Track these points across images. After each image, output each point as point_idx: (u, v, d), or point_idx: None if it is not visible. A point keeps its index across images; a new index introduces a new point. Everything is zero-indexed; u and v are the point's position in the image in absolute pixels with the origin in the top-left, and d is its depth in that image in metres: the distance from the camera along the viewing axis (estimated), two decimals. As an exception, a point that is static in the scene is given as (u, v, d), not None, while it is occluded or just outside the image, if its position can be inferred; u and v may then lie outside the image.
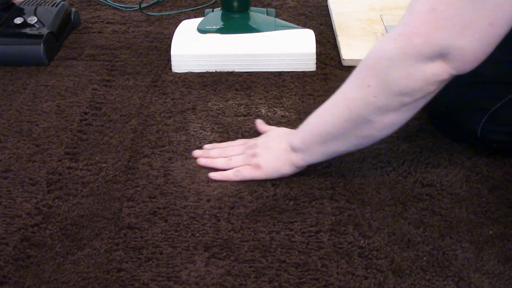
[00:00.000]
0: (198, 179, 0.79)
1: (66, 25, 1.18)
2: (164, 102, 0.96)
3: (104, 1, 1.35)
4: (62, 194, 0.77)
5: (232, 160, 0.80)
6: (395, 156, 0.83)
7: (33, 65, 1.08)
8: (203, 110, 0.94)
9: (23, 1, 1.19)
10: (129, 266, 0.66)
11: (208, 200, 0.75)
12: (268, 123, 0.90)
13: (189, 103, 0.96)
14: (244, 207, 0.74)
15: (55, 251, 0.68)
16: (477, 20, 0.58)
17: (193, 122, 0.91)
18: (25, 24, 1.10)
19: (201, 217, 0.73)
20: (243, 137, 0.87)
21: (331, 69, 1.06)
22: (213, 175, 0.79)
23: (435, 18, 0.60)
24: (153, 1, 1.35)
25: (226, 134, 0.88)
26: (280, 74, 1.04)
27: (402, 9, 1.23)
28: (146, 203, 0.75)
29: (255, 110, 0.94)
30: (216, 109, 0.94)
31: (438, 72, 0.62)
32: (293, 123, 0.90)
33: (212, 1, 1.35)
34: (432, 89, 0.64)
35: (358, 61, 1.05)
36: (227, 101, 0.96)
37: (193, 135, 0.88)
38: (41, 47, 1.06)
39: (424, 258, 0.67)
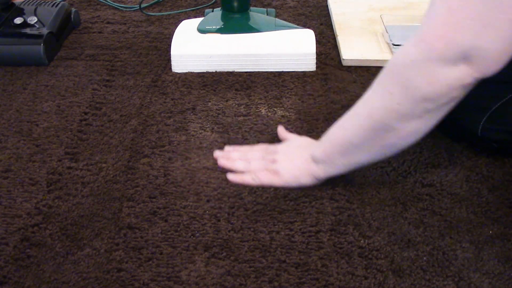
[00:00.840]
0: (198, 179, 0.79)
1: (66, 25, 1.18)
2: (164, 102, 0.96)
3: (104, 1, 1.35)
4: (62, 194, 0.77)
5: (252, 163, 0.79)
6: (395, 156, 0.83)
7: (33, 65, 1.08)
8: (203, 110, 0.94)
9: (23, 1, 1.19)
10: (129, 266, 0.66)
11: (208, 200, 0.75)
12: (268, 123, 0.90)
13: (189, 103, 0.96)
14: (244, 207, 0.74)
15: (55, 251, 0.68)
16: (497, 17, 0.56)
17: (193, 122, 0.91)
18: (25, 24, 1.10)
19: (201, 217, 0.73)
20: (243, 137, 0.87)
21: (331, 69, 1.06)
22: (231, 177, 0.78)
23: (454, 19, 0.58)
24: (153, 1, 1.35)
25: (226, 134, 0.88)
26: (280, 74, 1.04)
27: (402, 9, 1.23)
28: (146, 203, 0.75)
29: (255, 110, 0.94)
30: (216, 109, 0.94)
31: (462, 76, 0.60)
32: (293, 123, 0.90)
33: (212, 1, 1.35)
34: (456, 94, 0.62)
35: (358, 61, 1.06)
36: (227, 101, 0.96)
37: (193, 135, 0.88)
38: (41, 47, 1.06)
39: (424, 258, 0.67)
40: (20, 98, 0.98)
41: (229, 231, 0.70)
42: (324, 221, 0.72)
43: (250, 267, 0.66)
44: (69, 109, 0.95)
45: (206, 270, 0.65)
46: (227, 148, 0.84)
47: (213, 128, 0.89)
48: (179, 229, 0.71)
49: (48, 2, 1.20)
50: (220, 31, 1.08)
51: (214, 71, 1.05)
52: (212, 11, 1.18)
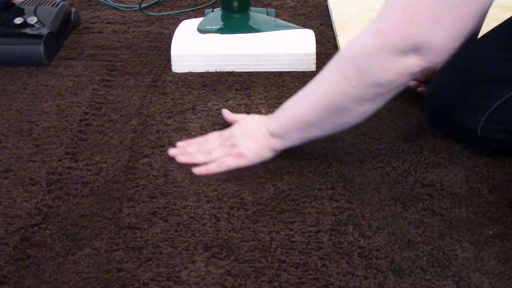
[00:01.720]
0: (198, 179, 0.79)
1: (66, 25, 1.18)
2: (164, 102, 0.96)
3: (104, 1, 1.35)
4: (62, 194, 0.77)
5: (212, 153, 0.81)
6: (395, 156, 0.83)
7: (33, 65, 1.08)
8: (203, 110, 0.94)
9: (23, 1, 1.19)
10: (129, 266, 0.66)
11: (208, 201, 0.75)
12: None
13: (189, 103, 0.96)
14: (244, 207, 0.74)
15: (55, 251, 0.68)
16: (447, 15, 0.62)
17: (193, 122, 0.91)
18: (25, 24, 1.10)
19: (201, 217, 0.73)
20: (243, 137, 0.87)
21: (331, 69, 1.06)
22: (197, 170, 0.80)
23: (409, 14, 0.64)
24: (153, 1, 1.35)
25: (226, 134, 0.88)
26: (280, 74, 1.04)
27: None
28: (146, 203, 0.75)
29: (255, 110, 0.94)
30: (216, 109, 0.94)
31: (412, 65, 0.66)
32: (293, 123, 0.90)
33: (212, 1, 1.35)
34: (404, 80, 0.69)
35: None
36: (227, 101, 0.96)
37: (193, 135, 0.88)
38: (41, 47, 1.06)
39: (424, 258, 0.67)
40: (20, 98, 0.98)
41: (229, 231, 0.70)
42: (324, 221, 0.72)
43: (250, 267, 0.66)
44: (69, 109, 0.95)
45: (206, 270, 0.65)
46: (180, 143, 0.85)
47: (213, 128, 0.89)
48: (179, 229, 0.71)
49: (48, 2, 1.20)
50: (220, 31, 1.08)
51: (214, 71, 1.05)
52: (212, 11, 1.18)
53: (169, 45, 1.07)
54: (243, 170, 0.80)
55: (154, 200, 0.75)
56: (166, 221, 0.72)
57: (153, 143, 0.86)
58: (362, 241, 0.69)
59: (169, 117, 0.92)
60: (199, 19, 1.13)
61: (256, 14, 1.14)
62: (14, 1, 1.18)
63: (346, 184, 0.78)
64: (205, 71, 1.05)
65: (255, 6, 1.27)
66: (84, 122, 0.92)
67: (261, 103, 0.96)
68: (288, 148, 0.80)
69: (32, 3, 1.18)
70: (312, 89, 0.75)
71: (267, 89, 1.00)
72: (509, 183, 0.77)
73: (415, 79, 0.96)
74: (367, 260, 0.66)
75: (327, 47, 1.13)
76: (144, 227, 0.71)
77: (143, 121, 0.92)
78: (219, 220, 0.72)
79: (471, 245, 0.68)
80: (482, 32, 0.89)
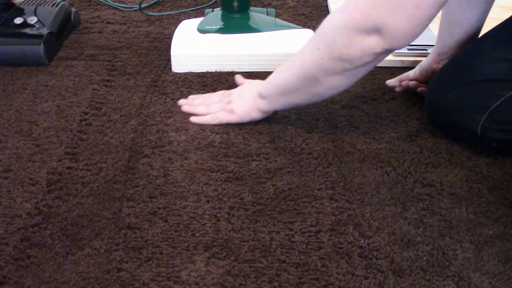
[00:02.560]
0: (198, 179, 0.79)
1: (66, 25, 1.18)
2: (164, 102, 0.96)
3: (104, 1, 1.35)
4: (62, 194, 0.77)
5: (211, 106, 0.91)
6: (395, 156, 0.83)
7: (33, 65, 1.08)
8: (203, 110, 0.94)
9: (23, 1, 1.19)
10: (129, 266, 0.66)
11: (208, 201, 0.75)
12: (269, 123, 0.90)
13: (189, 103, 0.96)
14: (244, 207, 0.74)
15: (55, 251, 0.68)
16: (405, 2, 0.66)
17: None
18: (25, 24, 1.10)
19: (201, 217, 0.73)
20: (243, 138, 0.87)
21: (331, 69, 1.06)
22: (193, 119, 0.90)
23: None
24: (153, 1, 1.35)
25: (226, 135, 0.88)
26: (280, 74, 1.04)
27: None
28: (146, 203, 0.75)
29: (255, 110, 0.94)
30: (216, 109, 0.94)
31: (373, 45, 0.70)
32: (293, 123, 0.90)
33: (212, 1, 1.35)
34: (369, 59, 0.73)
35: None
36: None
37: (193, 135, 0.88)
38: (41, 47, 1.06)
39: (424, 258, 0.67)
40: (20, 98, 0.98)
41: (229, 231, 0.70)
42: (324, 221, 0.72)
43: (250, 267, 0.66)
44: (69, 109, 0.95)
45: (206, 270, 0.65)
46: (191, 96, 0.96)
47: (213, 128, 0.89)
48: (179, 229, 0.71)
49: (48, 2, 1.20)
50: (220, 31, 1.08)
51: (214, 71, 1.05)
52: (212, 11, 1.18)
53: (169, 45, 1.07)
54: (243, 170, 0.80)
55: (154, 200, 0.75)
56: (166, 221, 0.72)
57: (153, 143, 0.86)
58: (362, 241, 0.69)
59: (169, 117, 0.92)
60: (199, 19, 1.13)
61: (256, 14, 1.14)
62: (14, 1, 1.18)
63: (346, 184, 0.78)
64: (205, 71, 1.05)
65: (255, 6, 1.27)
66: (84, 122, 0.92)
67: (261, 103, 0.96)
68: (275, 110, 0.89)
69: (32, 3, 1.18)
70: (294, 58, 0.81)
71: (267, 89, 1.00)
72: (509, 183, 0.77)
73: (415, 79, 0.96)
74: (367, 260, 0.66)
75: (327, 47, 1.13)
76: (144, 227, 0.71)
77: (143, 121, 0.92)
78: (219, 220, 0.72)
79: (471, 245, 0.68)
80: (482, 32, 0.89)
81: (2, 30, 1.09)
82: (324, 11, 1.29)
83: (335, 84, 0.78)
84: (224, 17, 1.13)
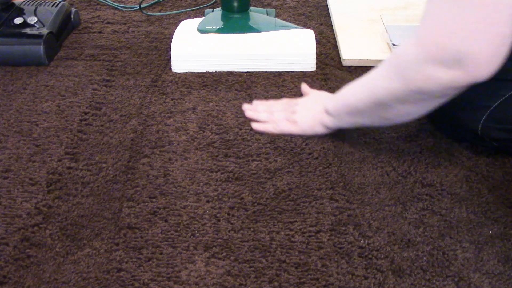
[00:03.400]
0: (198, 179, 0.79)
1: (66, 25, 1.18)
2: (164, 102, 0.96)
3: (104, 1, 1.35)
4: (62, 194, 0.77)
5: (274, 114, 0.89)
6: (395, 156, 0.83)
7: (33, 65, 1.08)
8: (203, 110, 0.94)
9: (23, 1, 1.19)
10: (129, 266, 0.66)
11: (208, 201, 0.75)
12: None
13: (189, 103, 0.96)
14: (244, 207, 0.74)
15: (55, 251, 0.68)
16: (480, 22, 0.60)
17: (193, 122, 0.91)
18: (25, 24, 1.10)
19: (201, 217, 0.73)
20: (243, 138, 0.87)
21: (331, 69, 1.06)
22: (255, 126, 0.88)
23: (444, 26, 0.62)
24: (153, 1, 1.35)
25: (226, 134, 0.88)
26: (280, 74, 1.04)
27: (402, 9, 1.23)
28: (146, 203, 0.75)
29: (255, 110, 0.94)
30: (216, 109, 0.94)
31: (455, 78, 0.64)
32: (293, 123, 0.90)
33: (212, 1, 1.35)
34: (449, 92, 0.67)
35: (358, 61, 1.06)
36: (228, 101, 0.96)
37: (193, 135, 0.88)
38: (41, 47, 1.06)
39: (424, 258, 0.67)
40: (20, 98, 0.98)
41: (229, 231, 0.70)
42: (324, 221, 0.72)
43: (250, 267, 0.66)
44: (69, 109, 0.95)
45: (206, 270, 0.65)
46: (255, 102, 0.94)
47: (213, 129, 0.89)
48: (179, 229, 0.71)
49: (48, 2, 1.20)
50: (220, 31, 1.08)
51: (214, 71, 1.05)
52: (212, 11, 1.18)
53: (169, 45, 1.07)
54: (243, 170, 0.80)
55: (154, 200, 0.75)
56: (166, 221, 0.72)
57: (153, 143, 0.86)
58: (362, 241, 0.69)
59: (169, 117, 0.92)
60: (199, 19, 1.13)
61: (256, 14, 1.14)
62: (14, 1, 1.18)
63: (346, 184, 0.78)
64: (205, 71, 1.05)
65: (255, 6, 1.27)
66: (84, 122, 0.92)
67: (261, 103, 0.96)
68: (340, 128, 0.84)
69: (32, 3, 1.18)
70: (365, 80, 0.77)
71: (267, 89, 1.00)
72: (509, 183, 0.77)
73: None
74: (367, 260, 0.66)
75: (327, 47, 1.13)
76: (144, 227, 0.71)
77: (143, 121, 0.92)
78: (219, 220, 0.72)
79: (471, 245, 0.68)
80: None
81: (2, 30, 1.09)
82: (324, 11, 1.29)
83: (409, 111, 0.73)
84: (224, 17, 1.13)
